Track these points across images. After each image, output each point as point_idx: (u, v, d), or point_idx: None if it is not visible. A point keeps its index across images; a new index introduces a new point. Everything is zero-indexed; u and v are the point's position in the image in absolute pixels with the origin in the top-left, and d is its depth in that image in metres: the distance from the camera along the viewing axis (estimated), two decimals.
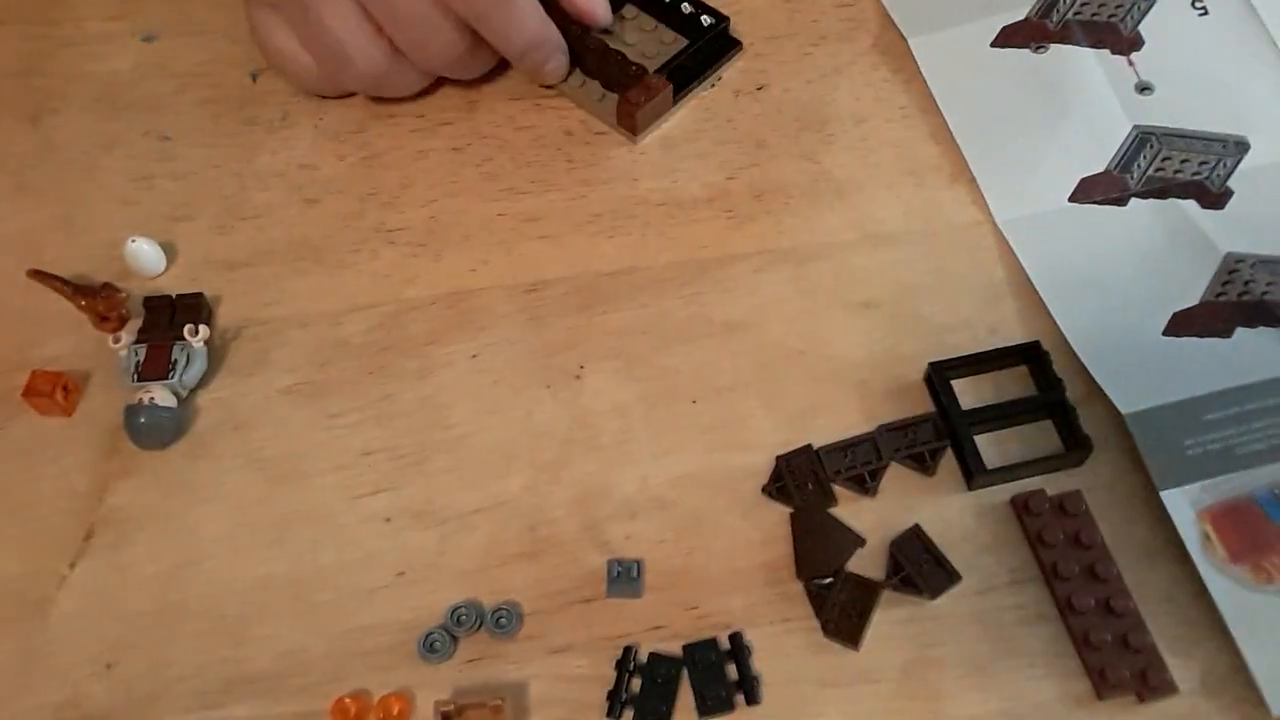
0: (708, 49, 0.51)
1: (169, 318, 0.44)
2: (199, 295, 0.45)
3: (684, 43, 0.51)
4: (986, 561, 0.39)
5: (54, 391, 0.43)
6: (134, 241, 0.46)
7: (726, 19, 0.51)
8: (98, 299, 0.45)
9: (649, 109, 0.49)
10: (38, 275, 0.46)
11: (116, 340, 0.43)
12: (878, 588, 0.38)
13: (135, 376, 0.43)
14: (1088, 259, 0.44)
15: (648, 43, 0.52)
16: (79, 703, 0.38)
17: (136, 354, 0.43)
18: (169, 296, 0.45)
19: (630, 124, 0.49)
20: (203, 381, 0.44)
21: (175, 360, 0.43)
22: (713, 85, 0.51)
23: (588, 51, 0.50)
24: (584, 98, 0.51)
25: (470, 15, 0.46)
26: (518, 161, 0.49)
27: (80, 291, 0.45)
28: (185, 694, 0.38)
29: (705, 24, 0.51)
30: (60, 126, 0.53)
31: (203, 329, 0.43)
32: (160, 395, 0.42)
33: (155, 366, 0.43)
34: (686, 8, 0.51)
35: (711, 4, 0.52)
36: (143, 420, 0.42)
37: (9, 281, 0.47)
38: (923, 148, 0.49)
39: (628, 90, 0.49)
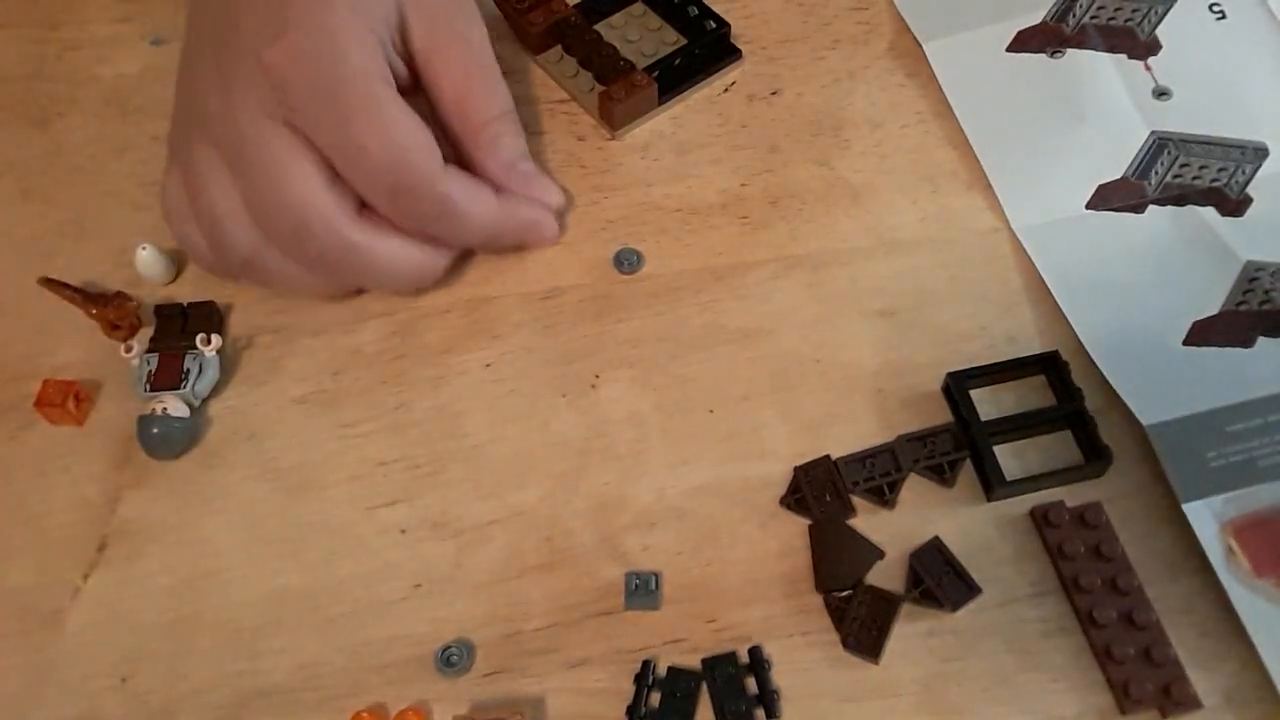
0: (704, 53, 0.51)
1: (180, 326, 0.44)
2: (210, 303, 0.45)
3: (684, 44, 0.51)
4: (1007, 574, 0.38)
5: (65, 401, 0.43)
6: (144, 249, 0.46)
7: (727, 25, 0.51)
8: (109, 307, 0.44)
9: (629, 105, 0.49)
10: (49, 283, 0.45)
11: (128, 350, 0.43)
12: (897, 601, 0.38)
13: (148, 386, 0.42)
14: (1106, 267, 0.44)
15: (648, 40, 0.52)
16: (94, 716, 0.38)
17: (149, 363, 0.43)
18: (180, 305, 0.45)
19: (609, 118, 0.49)
20: (215, 390, 0.44)
21: (188, 369, 0.43)
22: (724, 89, 0.51)
23: (582, 42, 0.50)
24: (575, 88, 0.51)
25: (414, 225, 0.43)
26: None
27: (91, 299, 0.45)
28: (201, 707, 0.38)
29: (708, 28, 0.51)
30: (68, 131, 0.52)
31: (215, 338, 0.43)
32: (173, 405, 0.42)
33: (168, 376, 0.43)
34: (692, 10, 0.51)
35: (723, 8, 0.52)
36: (156, 431, 0.41)
37: (19, 289, 0.46)
38: (938, 153, 0.48)
39: (610, 85, 0.49)
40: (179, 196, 0.43)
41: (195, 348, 0.43)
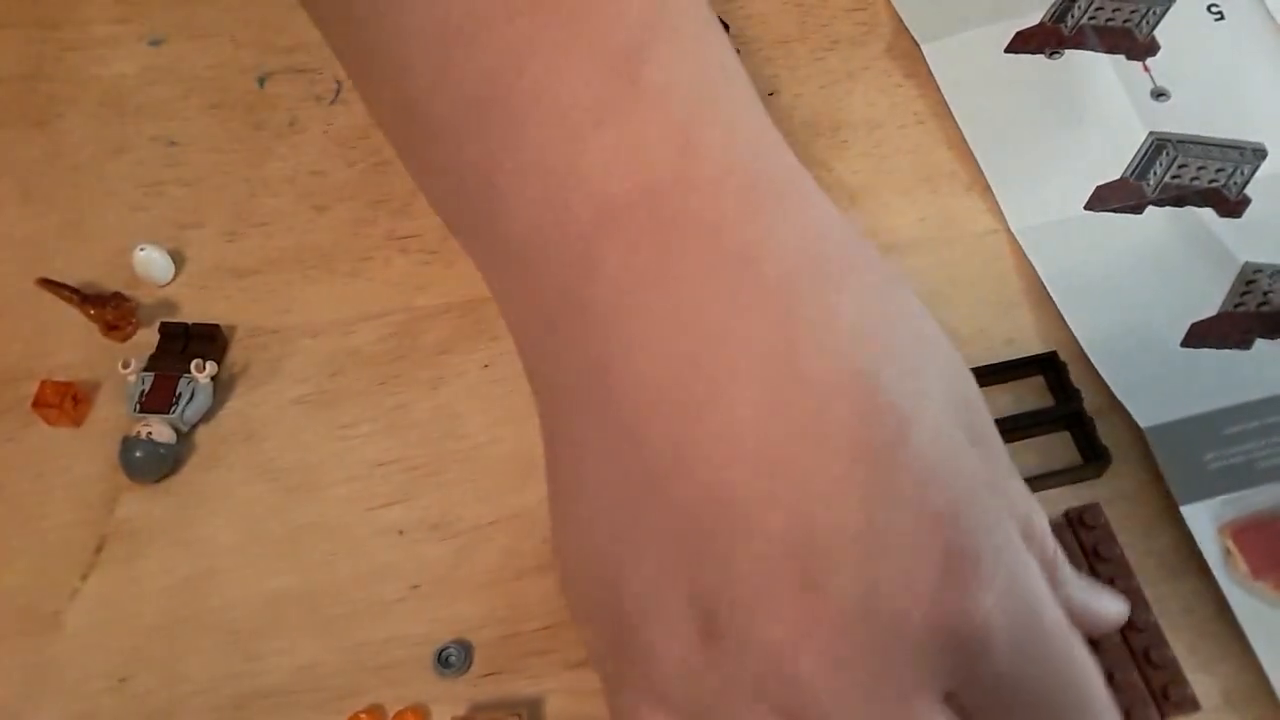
0: None
1: (182, 347, 0.44)
2: (215, 327, 0.44)
3: None
4: None
5: (63, 402, 0.42)
6: (143, 250, 0.46)
7: (726, 26, 0.51)
8: (107, 307, 0.44)
9: None
10: (47, 284, 0.45)
11: (125, 366, 0.43)
12: None
13: (138, 406, 0.42)
14: (1104, 268, 0.44)
15: None
16: (92, 717, 0.38)
17: (143, 382, 0.43)
18: (185, 325, 0.44)
19: None
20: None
21: (180, 394, 0.42)
22: None
23: None
24: None
25: None
26: None
27: (89, 300, 0.45)
28: (199, 709, 0.37)
29: None
30: (67, 132, 0.52)
31: (209, 365, 0.43)
32: (158, 430, 0.41)
33: (159, 399, 0.42)
34: None
35: (721, 8, 0.52)
36: (138, 455, 0.41)
37: (17, 290, 0.46)
38: (937, 154, 0.48)
39: None
40: None
41: (190, 372, 0.43)
